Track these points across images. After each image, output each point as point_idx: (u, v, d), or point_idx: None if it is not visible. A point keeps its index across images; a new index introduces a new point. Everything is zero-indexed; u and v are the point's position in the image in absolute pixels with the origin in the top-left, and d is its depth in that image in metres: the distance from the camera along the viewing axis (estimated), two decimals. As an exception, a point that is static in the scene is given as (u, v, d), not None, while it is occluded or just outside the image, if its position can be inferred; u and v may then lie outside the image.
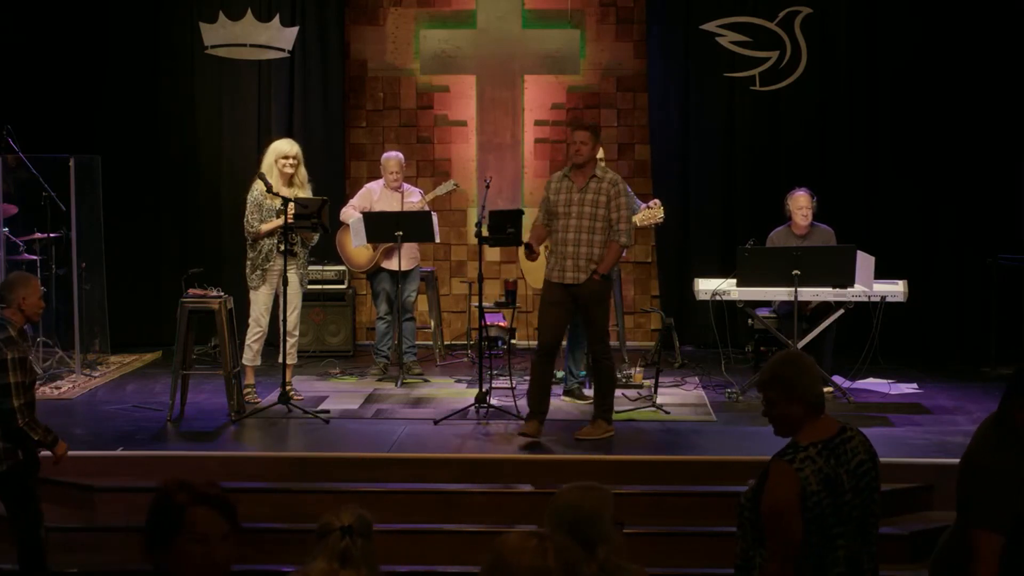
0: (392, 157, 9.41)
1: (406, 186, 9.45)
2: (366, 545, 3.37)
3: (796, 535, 3.69)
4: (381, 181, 9.40)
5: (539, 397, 7.36)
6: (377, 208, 9.19)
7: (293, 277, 8.27)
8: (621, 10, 10.92)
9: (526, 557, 2.95)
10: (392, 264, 9.17)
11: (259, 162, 8.55)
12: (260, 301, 8.36)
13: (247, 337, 8.41)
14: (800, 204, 8.78)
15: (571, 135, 7.53)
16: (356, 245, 9.19)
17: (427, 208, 9.25)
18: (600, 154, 8.45)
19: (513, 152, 10.96)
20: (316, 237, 8.47)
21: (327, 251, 9.49)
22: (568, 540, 3.52)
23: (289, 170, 8.35)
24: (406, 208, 9.21)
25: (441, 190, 9.55)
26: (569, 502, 3.57)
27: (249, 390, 8.42)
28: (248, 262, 8.37)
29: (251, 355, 8.43)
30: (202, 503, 2.85)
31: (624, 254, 7.95)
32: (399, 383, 9.04)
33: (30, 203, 9.29)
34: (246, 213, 8.34)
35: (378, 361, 9.41)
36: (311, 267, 8.69)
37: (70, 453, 5.92)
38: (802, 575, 3.71)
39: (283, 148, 8.45)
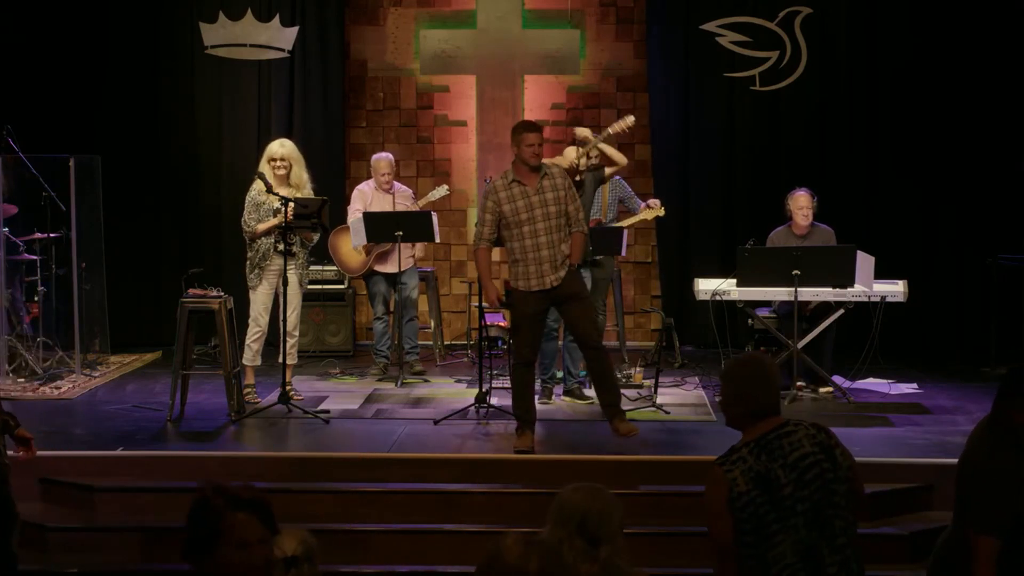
0: (383, 158, 9.40)
1: (397, 186, 9.44)
2: (312, 570, 3.36)
3: (726, 536, 3.75)
4: (371, 182, 9.39)
5: (527, 407, 7.27)
6: (371, 210, 9.18)
7: (293, 277, 8.27)
8: (621, 10, 10.92)
9: (511, 558, 2.94)
10: (385, 267, 9.18)
11: (259, 162, 8.57)
12: (259, 300, 8.36)
13: (247, 337, 8.41)
14: (800, 204, 8.78)
15: (519, 138, 7.20)
16: (356, 245, 9.19)
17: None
18: (593, 154, 8.45)
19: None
20: (316, 237, 8.47)
21: (327, 252, 9.48)
22: (573, 537, 3.52)
23: (280, 171, 8.34)
24: (398, 208, 9.21)
25: (434, 195, 9.50)
26: (577, 501, 3.59)
27: (249, 390, 8.42)
28: (247, 261, 8.38)
29: (251, 355, 8.43)
30: (239, 508, 2.80)
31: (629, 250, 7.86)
32: (399, 383, 9.04)
33: (30, 203, 9.28)
34: (243, 212, 8.35)
35: (378, 361, 9.40)
36: (311, 267, 8.69)
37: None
38: (748, 573, 3.75)
39: (273, 150, 8.45)
